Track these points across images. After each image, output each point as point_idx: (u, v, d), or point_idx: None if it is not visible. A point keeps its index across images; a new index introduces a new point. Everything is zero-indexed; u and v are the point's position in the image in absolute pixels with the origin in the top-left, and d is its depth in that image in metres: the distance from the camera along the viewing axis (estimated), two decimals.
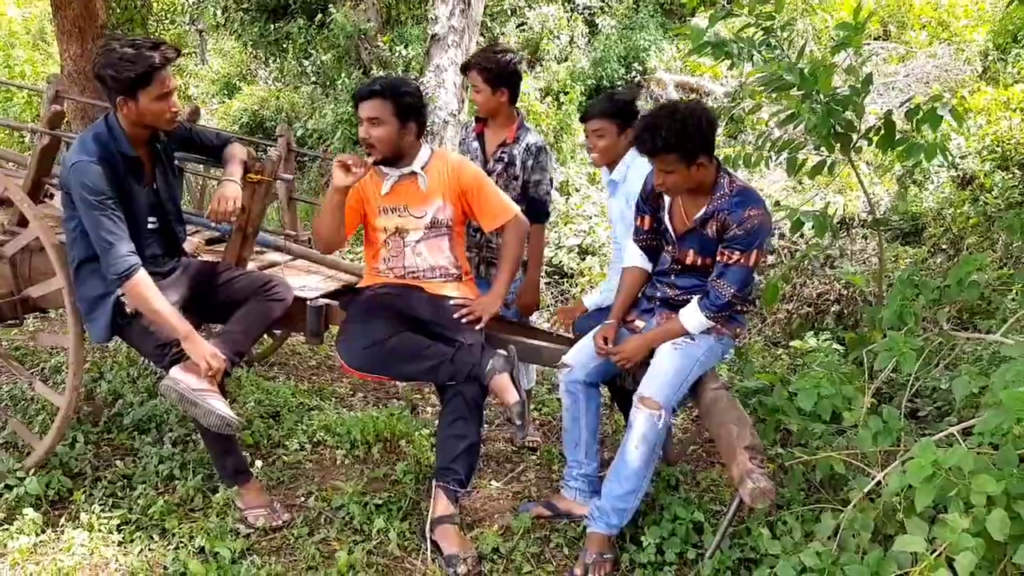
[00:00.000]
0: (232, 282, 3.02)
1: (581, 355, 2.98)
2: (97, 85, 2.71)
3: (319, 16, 10.22)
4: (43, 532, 2.76)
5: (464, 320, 2.90)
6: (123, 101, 2.62)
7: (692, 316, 2.73)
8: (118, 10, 5.76)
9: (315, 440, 3.51)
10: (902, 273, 2.97)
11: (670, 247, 2.84)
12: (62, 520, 2.83)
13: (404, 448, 3.49)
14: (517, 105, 3.41)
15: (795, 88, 3.16)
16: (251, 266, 3.54)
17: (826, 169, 3.51)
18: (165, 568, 2.61)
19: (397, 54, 9.94)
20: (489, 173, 3.32)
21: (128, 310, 2.73)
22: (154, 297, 2.65)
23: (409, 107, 2.87)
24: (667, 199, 2.82)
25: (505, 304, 3.31)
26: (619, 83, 13.06)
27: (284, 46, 10.97)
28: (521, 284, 3.44)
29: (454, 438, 2.80)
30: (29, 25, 14.80)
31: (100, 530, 2.77)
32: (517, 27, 12.76)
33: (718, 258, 2.68)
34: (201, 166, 3.91)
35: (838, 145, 3.38)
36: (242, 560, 2.66)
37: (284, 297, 3.04)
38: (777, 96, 3.40)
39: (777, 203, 5.48)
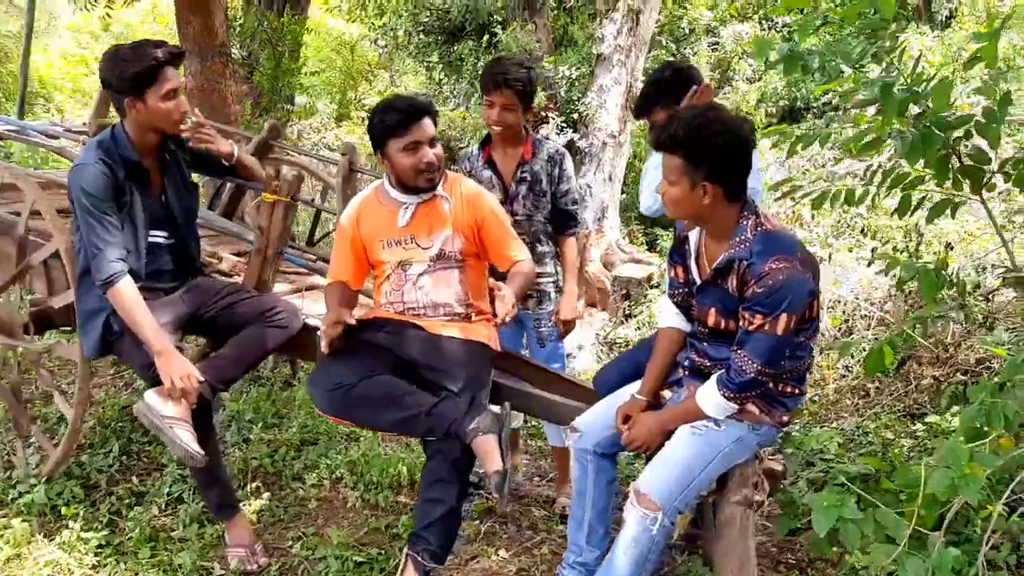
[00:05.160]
0: (236, 305, 2.87)
1: (594, 420, 2.52)
2: (112, 97, 2.68)
3: (486, 37, 10.25)
4: (29, 543, 2.75)
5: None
6: (131, 102, 2.56)
7: (709, 396, 2.20)
8: (237, 29, 6.01)
9: (335, 476, 3.29)
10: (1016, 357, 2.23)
11: (693, 301, 2.33)
12: (48, 534, 2.81)
13: None
14: None
15: (899, 109, 2.52)
16: (283, 288, 3.42)
17: (949, 212, 2.79)
18: None
19: (561, 75, 9.74)
20: (513, 198, 2.99)
21: (115, 327, 2.66)
22: (136, 307, 2.55)
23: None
24: (692, 243, 2.32)
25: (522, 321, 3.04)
26: (815, 105, 12.04)
27: (458, 67, 11.13)
28: (558, 301, 3.08)
29: (430, 502, 2.46)
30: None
31: (78, 550, 2.71)
32: (709, 46, 12.13)
33: (740, 322, 2.14)
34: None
35: (966, 182, 2.67)
36: None
37: (287, 325, 2.85)
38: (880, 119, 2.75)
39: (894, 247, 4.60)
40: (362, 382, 2.47)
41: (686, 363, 2.39)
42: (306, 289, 3.42)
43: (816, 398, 4.39)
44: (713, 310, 2.23)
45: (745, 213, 2.14)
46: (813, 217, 6.47)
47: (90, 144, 2.67)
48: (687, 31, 11.70)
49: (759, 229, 2.11)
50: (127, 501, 3.05)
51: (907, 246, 5.42)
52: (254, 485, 3.16)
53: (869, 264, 5.21)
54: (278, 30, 5.54)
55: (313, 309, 3.22)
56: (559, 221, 3.08)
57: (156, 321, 2.63)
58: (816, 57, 2.74)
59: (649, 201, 2.70)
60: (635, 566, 2.18)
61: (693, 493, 2.22)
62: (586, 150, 8.39)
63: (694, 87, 2.71)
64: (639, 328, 6.22)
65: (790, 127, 3.17)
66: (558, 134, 8.42)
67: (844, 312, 5.15)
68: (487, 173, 3.03)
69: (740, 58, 11.65)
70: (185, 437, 2.50)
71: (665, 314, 2.51)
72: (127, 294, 2.55)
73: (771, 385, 2.23)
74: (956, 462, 1.72)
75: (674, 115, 2.12)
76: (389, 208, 2.66)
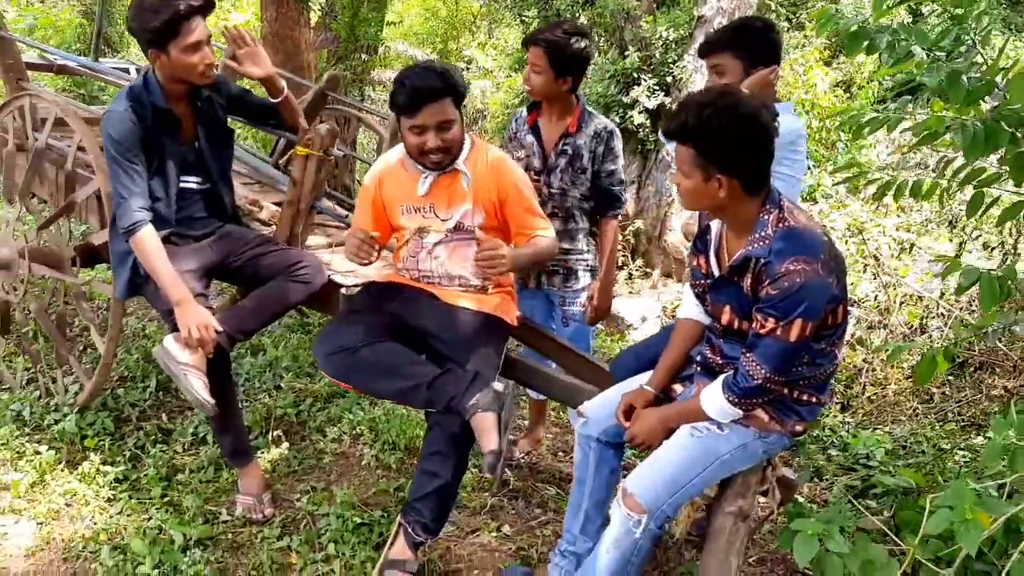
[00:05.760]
0: (262, 257, 2.87)
1: (601, 407, 2.41)
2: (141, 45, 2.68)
3: None
4: (53, 471, 2.87)
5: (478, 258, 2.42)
6: (155, 54, 2.55)
7: (714, 398, 2.06)
8: None
9: (356, 432, 3.30)
10: None
11: (708, 295, 2.17)
12: (73, 464, 2.93)
13: None
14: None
15: (968, 99, 2.26)
16: (318, 241, 3.41)
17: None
18: (121, 537, 2.57)
19: (658, 35, 9.40)
20: (551, 169, 2.84)
21: (141, 271, 2.71)
22: (155, 256, 2.58)
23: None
24: (714, 233, 2.15)
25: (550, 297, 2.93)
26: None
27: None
28: (592, 285, 2.92)
29: (426, 474, 2.42)
30: None
31: (96, 483, 2.82)
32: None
33: (753, 323, 1.98)
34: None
35: None
36: (194, 549, 2.55)
37: (311, 280, 2.84)
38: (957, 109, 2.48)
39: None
40: (366, 347, 2.42)
41: (699, 358, 2.25)
42: (337, 244, 3.40)
43: (873, 397, 4.12)
44: (727, 308, 2.07)
45: (767, 206, 1.96)
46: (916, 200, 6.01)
47: (122, 91, 2.68)
48: None
49: (781, 225, 1.93)
50: (153, 437, 3.15)
51: (1002, 243, 5.00)
52: (276, 434, 3.20)
53: (955, 258, 4.83)
54: None
55: (342, 265, 3.20)
56: (600, 201, 2.90)
57: (182, 267, 2.67)
58: (885, 35, 2.50)
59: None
60: (617, 567, 2.09)
61: (683, 498, 2.09)
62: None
63: (771, 68, 2.49)
64: None
65: (859, 108, 2.90)
66: (649, 96, 8.14)
67: (925, 308, 4.80)
68: (530, 139, 2.90)
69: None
70: (197, 385, 2.53)
71: (686, 304, 2.35)
72: (148, 243, 2.58)
73: (785, 391, 2.06)
74: (959, 503, 1.54)
75: (686, 101, 1.94)
76: (411, 175, 2.58)
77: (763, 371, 1.94)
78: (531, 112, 2.91)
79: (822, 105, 10.06)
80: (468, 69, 15.68)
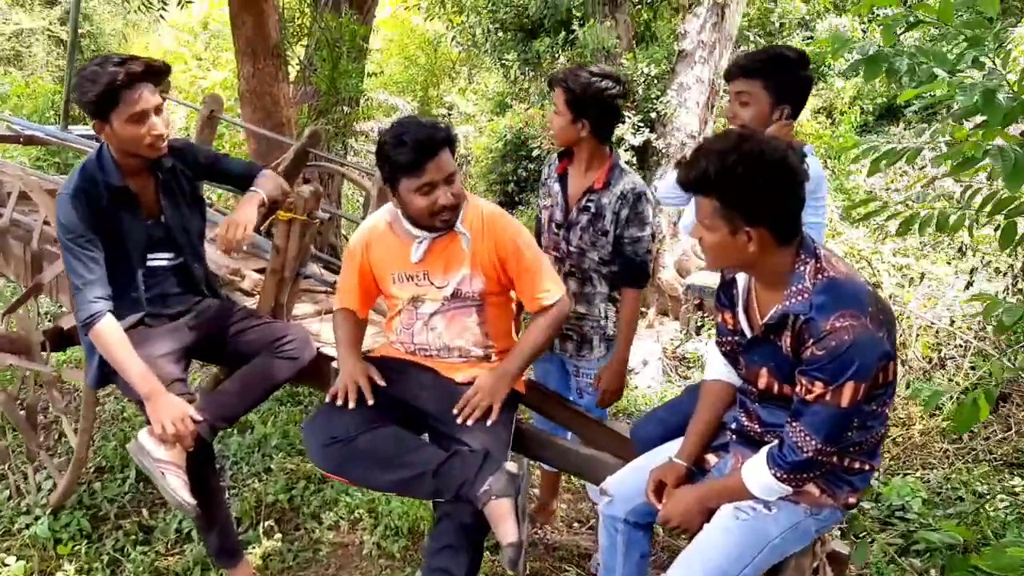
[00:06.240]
0: (245, 332, 2.64)
1: (627, 484, 2.17)
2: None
3: (562, 34, 9.91)
4: None
5: (462, 420, 2.24)
6: (98, 125, 2.34)
7: (757, 474, 1.83)
8: (292, 29, 5.84)
9: (354, 517, 3.04)
10: None
11: (741, 358, 1.95)
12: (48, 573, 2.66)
13: None
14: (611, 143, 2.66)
15: (1005, 120, 2.09)
16: (306, 309, 3.19)
17: None
18: None
19: (639, 72, 9.34)
20: (571, 225, 2.60)
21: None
22: (117, 349, 2.35)
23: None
24: (740, 287, 1.94)
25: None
26: (914, 102, 11.22)
27: (535, 65, 10.84)
28: (604, 365, 2.68)
29: (436, 572, 2.16)
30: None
31: None
32: (803, 40, 11.49)
33: (796, 388, 1.76)
34: None
35: None
36: None
37: (298, 355, 2.61)
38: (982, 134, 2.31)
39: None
40: (361, 435, 2.18)
41: (734, 425, 2.02)
42: (327, 312, 3.17)
43: (899, 440, 3.89)
44: (764, 370, 1.85)
45: (802, 256, 1.75)
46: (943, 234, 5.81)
47: (77, 168, 2.45)
48: (779, 25, 11.08)
49: (821, 276, 1.72)
50: (133, 537, 2.88)
51: (1010, 266, 4.82)
52: (267, 524, 2.95)
53: (967, 287, 4.65)
54: (336, 30, 5.32)
55: (332, 335, 2.98)
56: (622, 272, 2.60)
57: (156, 351, 2.45)
58: (904, 59, 2.33)
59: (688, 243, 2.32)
60: None
61: None
62: (663, 150, 8.00)
63: (787, 111, 2.31)
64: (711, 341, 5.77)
65: (874, 140, 2.72)
66: (634, 134, 8.03)
67: (936, 338, 4.60)
68: (556, 187, 2.66)
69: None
70: (176, 484, 2.28)
71: (712, 365, 2.13)
72: (108, 335, 2.35)
73: (835, 460, 1.84)
74: (1012, 564, 1.32)
75: (704, 148, 1.74)
76: (402, 240, 2.36)
77: (813, 442, 1.72)
78: (562, 160, 2.68)
79: (806, 132, 10.01)
80: (450, 114, 15.64)
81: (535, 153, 10.07)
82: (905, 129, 11.07)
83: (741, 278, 1.94)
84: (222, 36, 16.14)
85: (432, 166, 2.17)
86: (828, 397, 1.68)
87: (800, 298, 1.72)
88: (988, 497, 3.22)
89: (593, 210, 2.57)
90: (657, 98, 8.42)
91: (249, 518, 3.01)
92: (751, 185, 1.66)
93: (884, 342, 1.70)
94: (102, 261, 2.40)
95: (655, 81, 8.98)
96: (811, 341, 1.68)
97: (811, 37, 11.43)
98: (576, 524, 3.24)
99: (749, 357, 1.89)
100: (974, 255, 4.83)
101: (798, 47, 12.04)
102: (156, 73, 2.33)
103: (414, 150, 2.15)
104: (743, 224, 1.70)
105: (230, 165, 2.70)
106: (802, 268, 1.74)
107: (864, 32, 11.49)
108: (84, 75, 2.26)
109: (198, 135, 4.19)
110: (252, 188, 2.61)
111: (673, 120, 8.29)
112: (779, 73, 2.26)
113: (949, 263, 5.70)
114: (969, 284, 4.41)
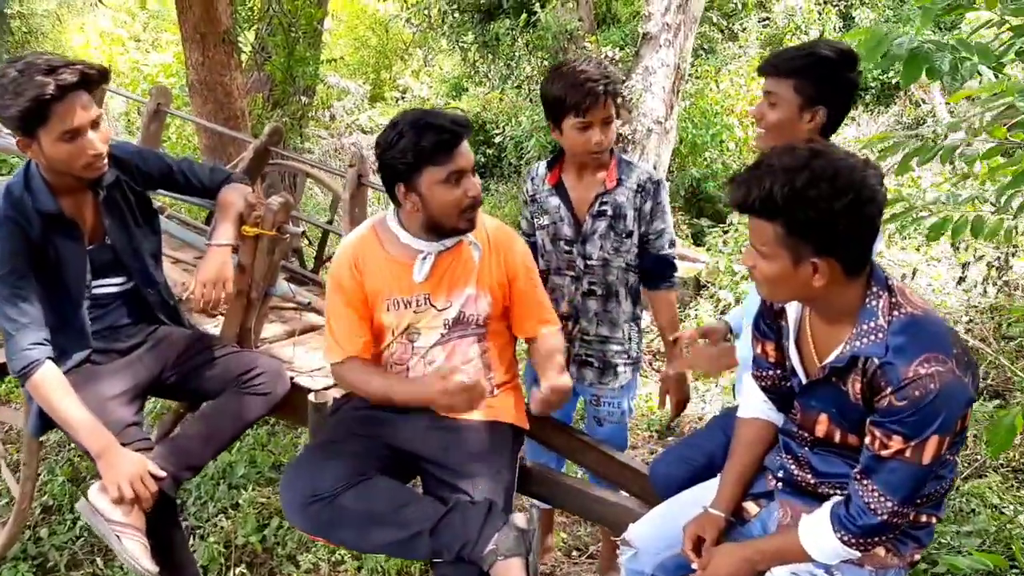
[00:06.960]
0: (207, 366, 2.33)
1: (653, 534, 1.92)
2: None
3: (524, 16, 9.60)
4: None
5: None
6: (23, 142, 1.98)
7: (819, 536, 1.59)
8: (243, 13, 5.44)
9: (335, 559, 2.75)
10: None
11: (796, 401, 1.72)
12: None
13: None
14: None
15: None
16: (274, 330, 2.88)
17: None
18: None
19: (604, 55, 9.09)
20: (588, 236, 2.31)
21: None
22: (59, 402, 2.01)
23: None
24: (791, 318, 1.70)
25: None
26: (873, 85, 11.18)
27: (494, 48, 10.51)
28: (663, 375, 2.43)
29: None
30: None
31: None
32: (760, 22, 11.36)
33: (867, 440, 1.53)
34: None
35: None
36: None
37: (269, 391, 2.31)
38: None
39: None
40: (346, 491, 1.88)
41: (780, 473, 1.79)
42: (301, 332, 2.86)
43: None
44: (824, 417, 1.62)
45: (874, 288, 1.52)
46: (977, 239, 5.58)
47: (1, 191, 2.08)
48: (738, 5, 10.93)
49: (897, 312, 1.48)
50: None
51: (999, 259, 4.70)
52: (239, 570, 2.64)
53: (959, 283, 4.51)
54: (291, 13, 4.95)
55: (308, 361, 2.68)
56: (651, 271, 2.37)
57: (106, 393, 2.14)
58: (947, 55, 2.10)
59: (744, 352, 2.00)
60: None
61: None
62: (629, 137, 7.76)
63: (820, 115, 2.00)
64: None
65: (902, 136, 2.52)
66: None
67: None
68: (554, 201, 2.34)
69: (793, 34, 10.84)
70: (135, 551, 1.97)
71: (749, 401, 1.89)
72: (47, 386, 2.02)
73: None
74: None
75: (766, 165, 1.48)
76: (397, 259, 2.06)
77: (889, 504, 1.49)
78: (551, 168, 2.37)
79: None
80: (404, 98, 15.22)
81: (496, 139, 9.78)
82: (863, 112, 11.03)
83: (792, 307, 1.70)
84: (162, 16, 15.43)
85: (459, 151, 1.92)
86: (908, 453, 1.46)
87: (873, 338, 1.48)
88: (1010, 515, 3.06)
89: (611, 212, 2.30)
90: (622, 83, 8.18)
91: (218, 565, 2.71)
92: (824, 211, 1.41)
93: (969, 388, 1.48)
94: (36, 299, 2.06)
95: (618, 65, 8.74)
96: (889, 389, 1.45)
97: (767, 18, 11.32)
98: (575, 552, 3.00)
99: (805, 401, 1.66)
100: (967, 250, 4.69)
101: (755, 29, 11.69)
102: (92, 81, 1.97)
103: (440, 132, 1.88)
104: (810, 255, 1.45)
105: (188, 174, 2.37)
106: (874, 303, 1.50)
107: (820, 13, 11.42)
108: (3, 83, 1.89)
109: (144, 131, 3.82)
110: (219, 219, 2.29)
111: (639, 105, 8.05)
112: (814, 73, 1.99)
113: (918, 250, 5.55)
114: (961, 279, 4.27)
